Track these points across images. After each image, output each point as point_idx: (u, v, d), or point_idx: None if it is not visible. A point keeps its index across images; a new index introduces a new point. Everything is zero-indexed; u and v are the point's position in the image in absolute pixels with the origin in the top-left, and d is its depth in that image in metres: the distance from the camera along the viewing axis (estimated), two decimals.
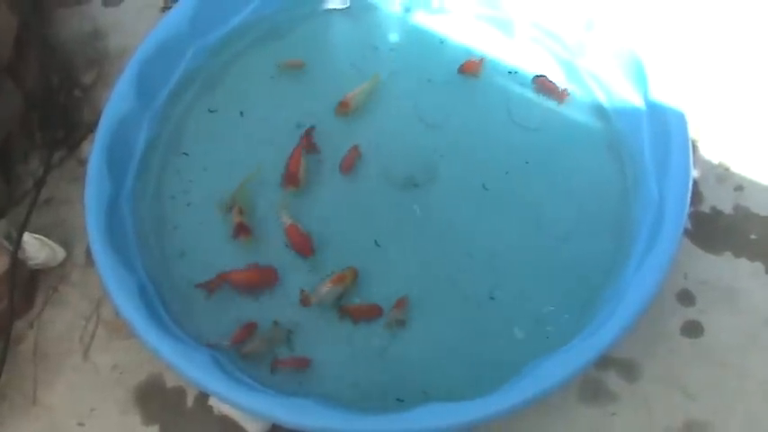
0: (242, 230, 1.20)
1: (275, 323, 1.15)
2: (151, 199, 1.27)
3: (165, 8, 1.48)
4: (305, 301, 1.15)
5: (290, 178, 1.24)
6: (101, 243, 1.12)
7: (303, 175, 1.24)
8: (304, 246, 1.20)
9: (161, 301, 1.16)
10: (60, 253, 1.25)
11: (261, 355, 1.12)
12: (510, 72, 1.35)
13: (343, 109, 1.30)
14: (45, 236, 1.24)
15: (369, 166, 1.28)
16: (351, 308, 1.16)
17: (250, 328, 1.14)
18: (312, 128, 1.28)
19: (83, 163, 1.29)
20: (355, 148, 1.27)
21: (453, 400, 1.00)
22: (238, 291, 1.18)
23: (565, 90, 1.31)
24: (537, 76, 1.33)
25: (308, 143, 1.27)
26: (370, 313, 1.15)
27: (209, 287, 1.17)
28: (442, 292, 1.17)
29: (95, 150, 1.19)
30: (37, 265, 1.23)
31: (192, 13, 1.32)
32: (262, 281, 1.19)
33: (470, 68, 1.34)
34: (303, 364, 1.12)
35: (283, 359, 1.13)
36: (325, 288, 1.15)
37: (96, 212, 1.15)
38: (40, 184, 1.30)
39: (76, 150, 1.35)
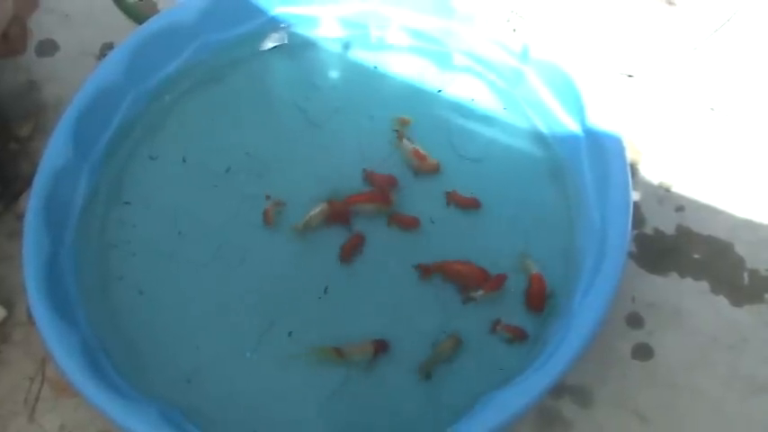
0: None
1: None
2: (94, 251, 1.24)
3: (102, 56, 1.46)
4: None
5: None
6: (40, 299, 1.09)
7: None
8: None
9: (107, 355, 1.13)
10: (0, 312, 1.21)
11: None
12: (448, 102, 1.36)
13: None
14: None
15: (313, 204, 1.25)
16: None
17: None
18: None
19: (21, 218, 1.25)
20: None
21: None
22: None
23: None
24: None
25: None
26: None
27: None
28: (391, 330, 1.16)
29: (32, 204, 1.16)
30: None
31: (129, 58, 1.30)
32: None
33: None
34: (522, 336, 1.14)
35: (507, 324, 1.15)
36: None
37: (35, 268, 1.11)
38: None
39: (14, 205, 1.32)
